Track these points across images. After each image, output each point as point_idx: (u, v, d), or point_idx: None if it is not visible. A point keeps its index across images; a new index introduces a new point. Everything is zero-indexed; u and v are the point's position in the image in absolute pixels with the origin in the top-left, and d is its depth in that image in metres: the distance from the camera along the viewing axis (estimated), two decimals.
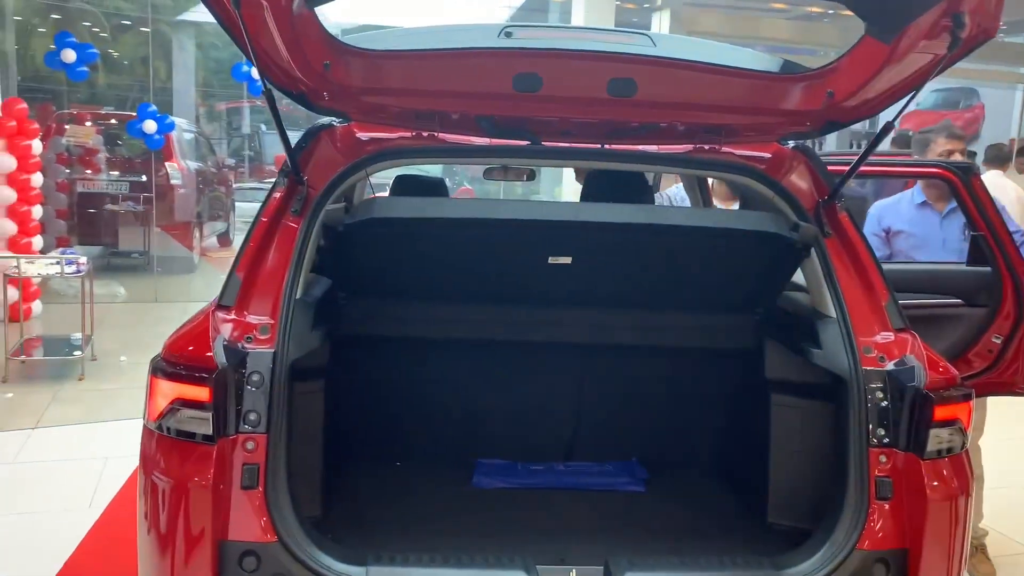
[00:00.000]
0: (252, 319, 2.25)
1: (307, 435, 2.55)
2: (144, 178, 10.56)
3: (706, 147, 2.67)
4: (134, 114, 9.50)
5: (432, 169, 9.70)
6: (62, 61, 8.57)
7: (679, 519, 2.83)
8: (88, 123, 11.09)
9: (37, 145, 8.25)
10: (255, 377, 2.16)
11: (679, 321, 2.91)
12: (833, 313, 2.43)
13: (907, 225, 3.96)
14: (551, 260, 2.56)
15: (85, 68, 8.81)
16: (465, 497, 2.92)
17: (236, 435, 2.13)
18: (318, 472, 2.61)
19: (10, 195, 7.99)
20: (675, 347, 2.96)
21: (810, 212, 2.57)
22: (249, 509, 2.11)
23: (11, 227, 8.02)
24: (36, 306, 8.24)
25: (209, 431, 2.08)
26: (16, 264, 6.62)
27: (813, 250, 2.50)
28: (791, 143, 2.75)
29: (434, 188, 3.51)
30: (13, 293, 7.47)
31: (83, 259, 6.96)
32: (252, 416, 2.13)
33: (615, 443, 3.19)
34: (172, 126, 9.57)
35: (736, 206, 4.30)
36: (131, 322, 8.46)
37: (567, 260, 2.56)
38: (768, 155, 2.71)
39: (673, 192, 4.83)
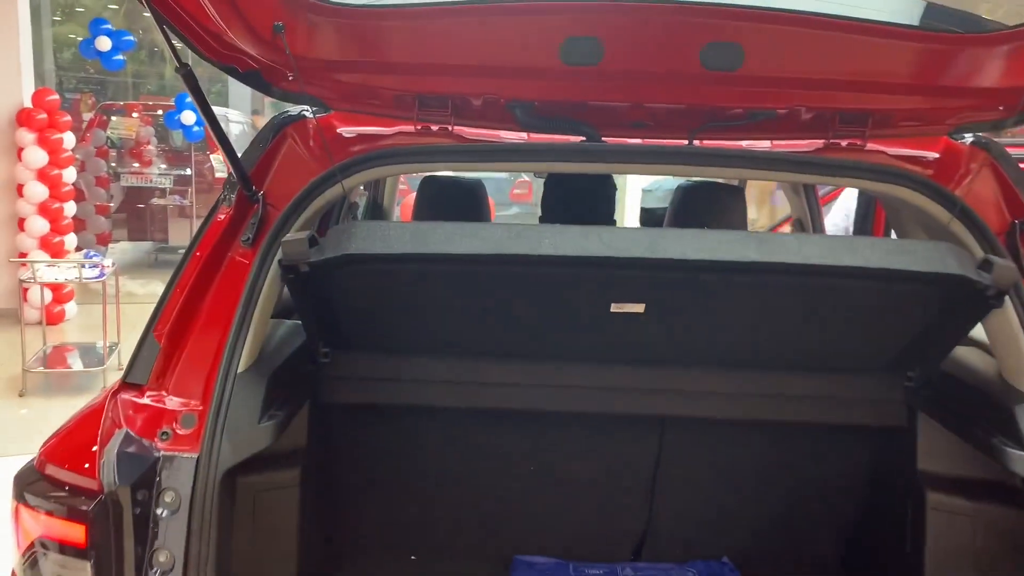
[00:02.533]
0: (172, 403, 1.54)
1: (275, 542, 1.85)
2: (189, 171, 10.11)
3: (843, 143, 1.84)
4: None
5: None
6: (97, 50, 8.09)
7: None
8: (135, 114, 10.67)
9: (69, 139, 7.79)
10: (168, 497, 1.44)
11: (794, 387, 2.08)
12: None
13: None
14: (614, 308, 1.78)
15: (121, 57, 8.31)
16: None
17: None
18: None
19: (41, 192, 7.56)
20: (785, 420, 2.14)
21: (1000, 239, 1.73)
22: None
23: (43, 225, 7.59)
24: (70, 308, 7.80)
25: None
26: (32, 270, 6.11)
27: (1007, 297, 1.66)
28: (967, 137, 1.90)
29: (469, 195, 2.75)
30: (47, 295, 7.05)
31: (107, 261, 6.44)
32: (162, 558, 1.43)
33: (700, 538, 2.39)
34: None
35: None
36: None
37: (638, 308, 1.77)
38: (935, 155, 1.87)
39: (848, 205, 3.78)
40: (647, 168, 1.80)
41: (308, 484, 1.93)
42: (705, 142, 1.90)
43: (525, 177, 11.63)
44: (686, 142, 1.86)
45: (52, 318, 7.28)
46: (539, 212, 2.81)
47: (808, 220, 3.25)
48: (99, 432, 1.47)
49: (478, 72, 1.72)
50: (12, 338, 6.35)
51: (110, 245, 9.97)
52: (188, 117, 8.58)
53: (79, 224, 8.80)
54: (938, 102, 1.77)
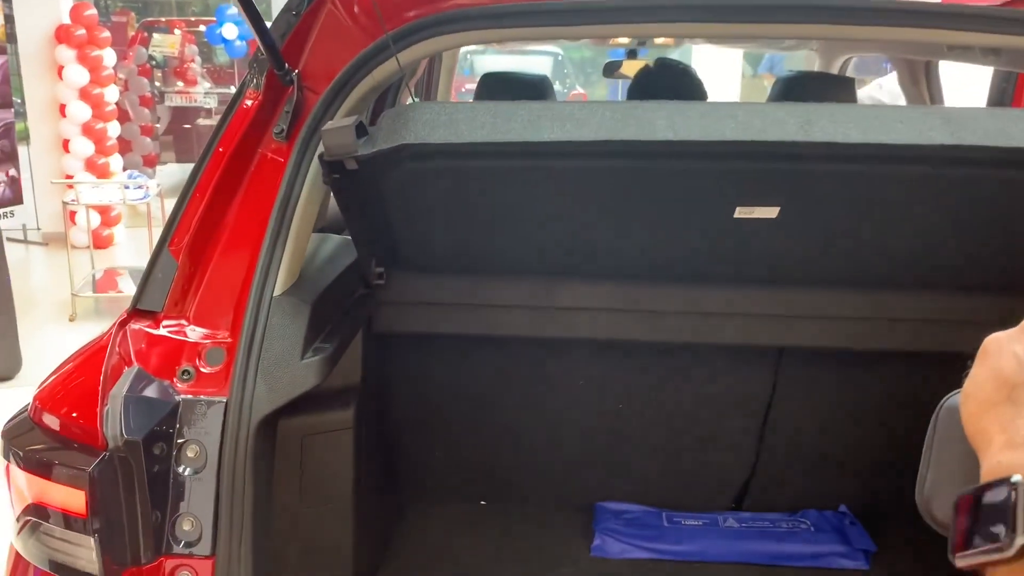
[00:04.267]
0: (194, 335, 1.24)
1: (327, 493, 1.58)
2: (233, 89, 9.82)
3: None
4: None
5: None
6: None
7: None
8: (176, 31, 10.34)
9: (110, 56, 7.50)
10: (191, 452, 1.16)
11: (953, 310, 1.70)
12: None
13: None
14: (739, 213, 1.41)
15: None
16: (579, 571, 1.90)
17: (158, 560, 1.14)
18: (348, 548, 1.64)
19: (84, 112, 7.33)
20: (933, 351, 1.76)
21: None
22: None
23: (88, 147, 7.39)
24: (119, 232, 7.66)
25: (94, 568, 1.11)
26: (75, 192, 5.93)
27: None
28: None
29: (537, 92, 2.38)
30: (94, 218, 6.90)
31: (152, 183, 6.23)
32: (186, 526, 1.15)
33: (814, 485, 2.06)
34: None
35: None
36: None
37: (771, 213, 1.41)
38: None
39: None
40: (789, 30, 1.40)
41: (363, 425, 1.64)
42: None
43: (580, 89, 11.03)
44: None
45: (100, 242, 7.16)
46: None
47: None
48: (99, 372, 1.18)
49: None
50: (61, 262, 6.23)
51: (157, 167, 9.80)
52: (230, 31, 8.21)
53: (125, 146, 8.60)
54: None
